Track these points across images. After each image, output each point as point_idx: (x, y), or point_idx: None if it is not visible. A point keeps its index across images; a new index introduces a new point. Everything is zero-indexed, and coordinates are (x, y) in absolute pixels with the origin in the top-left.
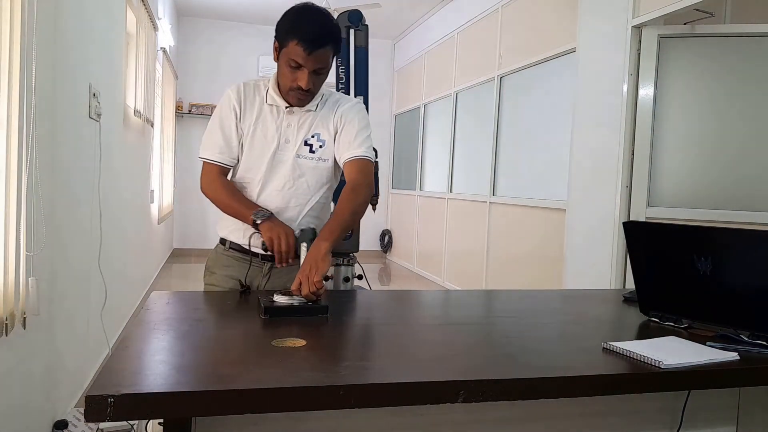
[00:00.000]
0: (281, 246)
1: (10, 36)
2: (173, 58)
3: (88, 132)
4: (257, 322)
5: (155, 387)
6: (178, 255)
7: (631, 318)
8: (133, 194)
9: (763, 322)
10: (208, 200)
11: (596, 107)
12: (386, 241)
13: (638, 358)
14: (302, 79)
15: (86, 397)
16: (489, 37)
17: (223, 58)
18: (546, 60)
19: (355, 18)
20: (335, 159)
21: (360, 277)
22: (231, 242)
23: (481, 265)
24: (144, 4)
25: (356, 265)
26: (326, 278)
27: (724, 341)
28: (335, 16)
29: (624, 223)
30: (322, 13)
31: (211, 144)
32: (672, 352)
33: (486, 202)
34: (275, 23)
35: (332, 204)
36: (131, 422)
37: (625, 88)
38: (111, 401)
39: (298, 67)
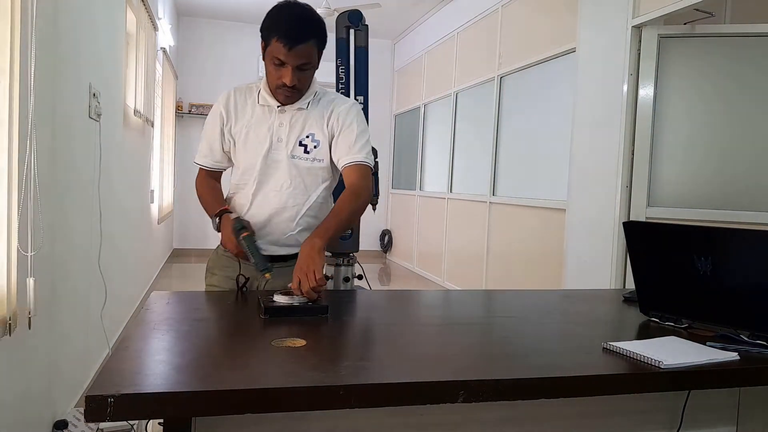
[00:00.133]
0: (230, 248)
1: (10, 36)
2: (173, 58)
3: (88, 132)
4: (257, 322)
5: (155, 387)
6: (178, 255)
7: (631, 318)
8: (133, 194)
9: (763, 322)
10: None
11: (596, 107)
12: (386, 241)
13: (638, 358)
14: (286, 76)
15: (86, 397)
16: (489, 37)
17: (223, 58)
18: (546, 60)
19: (355, 18)
20: (331, 159)
21: (360, 277)
22: None
23: (481, 265)
24: (144, 4)
25: (356, 265)
26: (327, 277)
27: (724, 341)
28: (335, 16)
29: (624, 223)
30: (303, 8)
31: (199, 149)
32: (672, 352)
33: (486, 202)
34: None
35: (333, 203)
36: (131, 422)
37: (625, 88)
38: (111, 401)
39: (282, 64)
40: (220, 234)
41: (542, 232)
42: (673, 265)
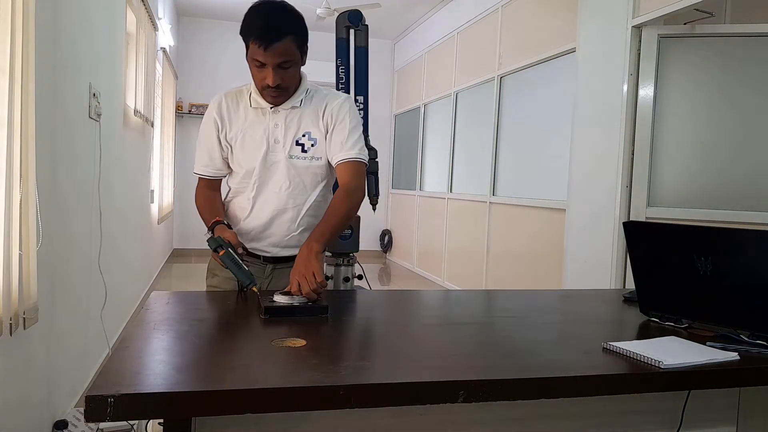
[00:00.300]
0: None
1: (10, 36)
2: (173, 58)
3: (88, 132)
4: (257, 322)
5: (155, 387)
6: (178, 255)
7: (631, 318)
8: (133, 194)
9: (763, 322)
10: None
11: (596, 107)
12: (386, 241)
13: (638, 358)
14: (268, 77)
15: (86, 397)
16: (489, 37)
17: (223, 58)
18: (546, 60)
19: (355, 18)
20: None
21: (360, 277)
22: None
23: (481, 265)
24: (144, 4)
25: (356, 265)
26: (327, 278)
27: (724, 341)
28: (335, 16)
29: (624, 223)
30: (276, 6)
31: (198, 158)
32: (672, 352)
33: (486, 202)
34: None
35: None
36: (131, 422)
37: (625, 88)
38: (111, 401)
39: (262, 65)
40: None
41: (542, 232)
42: (673, 265)
